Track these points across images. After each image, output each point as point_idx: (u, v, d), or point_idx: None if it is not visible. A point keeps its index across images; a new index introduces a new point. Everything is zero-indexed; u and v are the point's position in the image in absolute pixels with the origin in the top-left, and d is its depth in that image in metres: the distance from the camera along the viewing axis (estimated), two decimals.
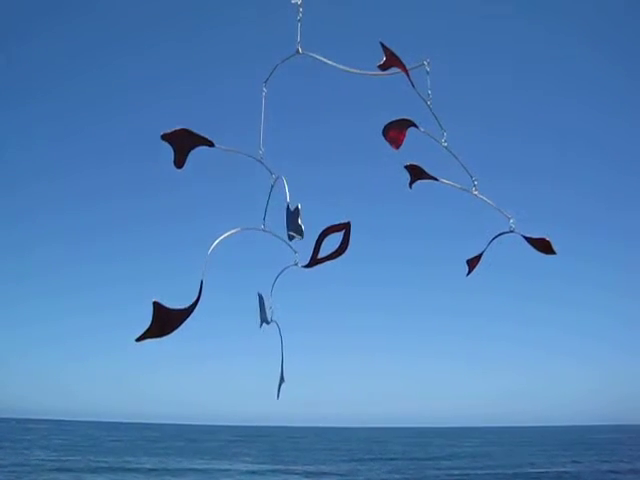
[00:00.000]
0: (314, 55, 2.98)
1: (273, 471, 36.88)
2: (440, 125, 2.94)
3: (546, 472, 36.66)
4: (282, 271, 3.11)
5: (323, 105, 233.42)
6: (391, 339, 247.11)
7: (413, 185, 3.15)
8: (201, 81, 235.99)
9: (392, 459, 46.93)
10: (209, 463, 40.22)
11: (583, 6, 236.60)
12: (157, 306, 2.58)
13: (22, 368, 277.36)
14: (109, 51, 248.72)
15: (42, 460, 38.04)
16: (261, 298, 3.17)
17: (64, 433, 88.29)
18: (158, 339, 2.64)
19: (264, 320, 3.15)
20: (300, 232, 2.82)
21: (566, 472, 36.73)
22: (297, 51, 2.99)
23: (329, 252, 3.00)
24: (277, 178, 3.02)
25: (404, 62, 2.91)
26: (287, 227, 2.90)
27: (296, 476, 34.82)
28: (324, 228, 2.96)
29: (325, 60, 2.97)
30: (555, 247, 2.85)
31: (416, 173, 3.12)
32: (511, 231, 2.93)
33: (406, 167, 3.14)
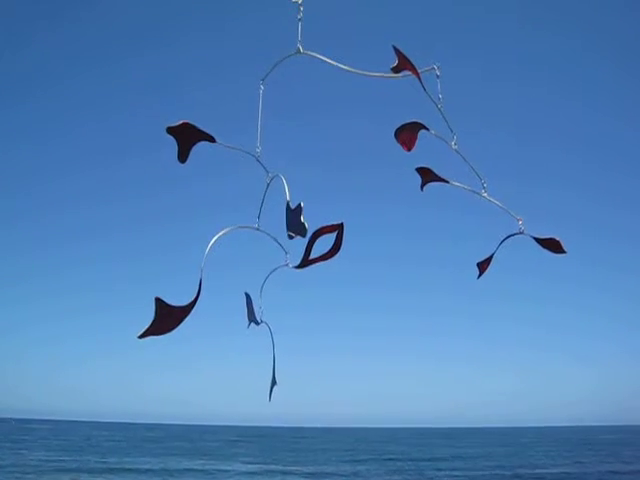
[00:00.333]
0: (315, 54, 2.98)
1: (273, 471, 36.84)
2: (450, 128, 2.96)
3: (546, 473, 36.61)
4: (272, 271, 3.12)
5: (323, 105, 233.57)
6: (391, 340, 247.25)
7: (425, 187, 3.20)
8: (201, 81, 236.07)
9: (392, 459, 46.88)
10: (209, 463, 40.18)
11: (583, 7, 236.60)
12: (159, 302, 2.61)
13: (23, 368, 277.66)
14: (109, 51, 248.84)
15: (41, 460, 38.00)
16: (248, 297, 3.15)
17: (64, 433, 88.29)
18: (160, 336, 2.67)
19: (252, 320, 3.13)
20: (303, 230, 2.78)
21: (566, 473, 36.68)
22: (298, 50, 2.99)
23: (322, 253, 2.98)
24: (274, 177, 3.02)
25: (416, 66, 2.92)
26: (287, 226, 2.87)
27: (296, 477, 34.78)
28: (316, 229, 2.94)
29: (326, 59, 2.96)
30: (565, 246, 2.90)
31: (427, 175, 3.17)
32: (521, 232, 2.96)
33: (417, 170, 3.18)
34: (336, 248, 2.96)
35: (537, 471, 37.67)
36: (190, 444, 66.78)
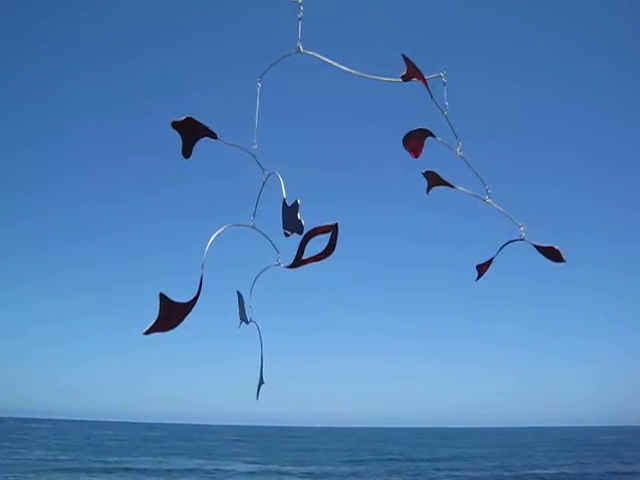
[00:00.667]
0: (315, 54, 2.98)
1: (272, 471, 36.83)
2: (455, 135, 3.00)
3: (546, 473, 36.59)
4: (262, 271, 3.11)
5: (322, 105, 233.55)
6: (391, 340, 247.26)
7: (430, 191, 3.26)
8: (200, 81, 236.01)
9: (391, 459, 46.86)
10: (209, 463, 40.16)
11: (583, 7, 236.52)
12: (163, 298, 2.64)
13: (23, 368, 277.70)
14: (108, 51, 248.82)
15: (40, 460, 37.95)
16: (240, 297, 3.14)
17: (63, 433, 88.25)
18: (162, 334, 2.70)
19: (243, 319, 3.13)
20: (300, 227, 2.78)
21: (566, 473, 36.66)
22: (298, 49, 2.99)
23: (315, 253, 2.98)
24: (269, 174, 3.02)
25: (423, 73, 2.96)
26: (283, 223, 2.88)
27: (295, 476, 34.77)
28: (310, 229, 2.93)
29: (327, 60, 2.96)
30: (565, 255, 2.95)
31: (433, 180, 3.22)
32: (521, 239, 3.01)
33: (424, 174, 3.23)
34: (330, 249, 2.95)
35: (537, 471, 37.64)
36: (190, 443, 66.76)
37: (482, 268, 3.31)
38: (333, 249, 2.95)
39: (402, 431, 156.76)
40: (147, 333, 2.64)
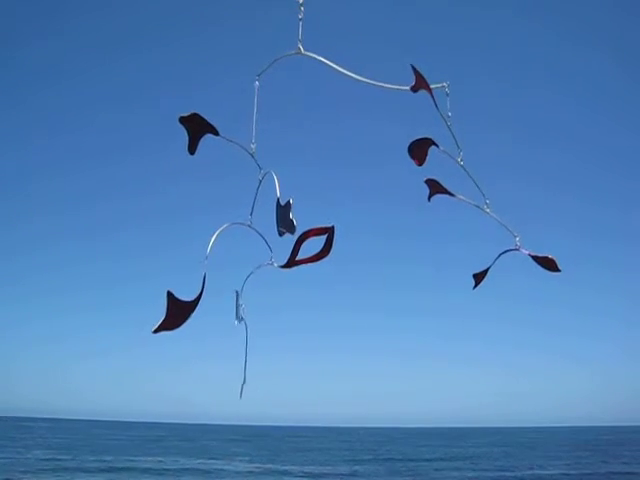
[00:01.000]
0: (315, 56, 2.99)
1: (272, 471, 36.83)
2: (457, 144, 3.11)
3: (546, 474, 36.60)
4: (255, 269, 3.11)
5: (322, 105, 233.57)
6: (390, 340, 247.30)
7: (432, 198, 3.38)
8: (200, 81, 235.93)
9: (391, 460, 46.89)
10: (208, 462, 40.16)
11: (583, 8, 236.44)
12: (171, 297, 2.67)
13: (24, 367, 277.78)
14: (108, 50, 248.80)
15: (39, 459, 37.94)
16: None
17: (63, 432, 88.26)
18: (170, 332, 2.74)
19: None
20: (292, 227, 2.80)
21: (566, 474, 36.65)
22: (298, 50, 3.00)
23: (310, 254, 2.99)
24: (266, 173, 3.04)
25: (429, 84, 3.01)
26: (277, 223, 2.90)
27: (295, 476, 34.77)
28: (306, 230, 2.93)
29: (327, 62, 2.97)
30: (560, 265, 3.03)
31: (435, 187, 3.34)
32: (517, 249, 3.12)
33: (426, 182, 3.34)
34: (326, 251, 2.95)
35: (536, 472, 37.65)
36: (190, 443, 66.76)
37: (478, 277, 3.41)
38: (329, 251, 2.96)
39: (402, 431, 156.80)
40: (156, 332, 2.67)
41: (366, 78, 3.00)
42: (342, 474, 36.06)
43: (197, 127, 2.95)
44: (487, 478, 34.79)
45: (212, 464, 39.22)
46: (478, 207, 3.14)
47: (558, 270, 3.04)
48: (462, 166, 3.12)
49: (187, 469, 36.15)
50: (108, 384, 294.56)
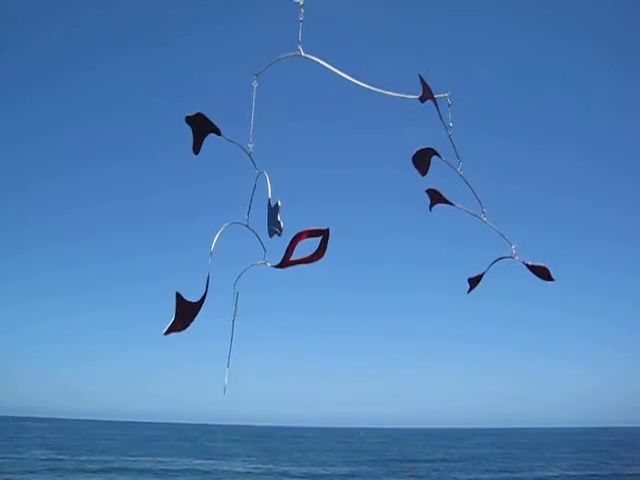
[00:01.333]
0: (315, 58, 3.01)
1: (272, 471, 36.78)
2: (457, 154, 3.23)
3: (546, 475, 36.54)
4: (247, 268, 3.12)
5: (322, 105, 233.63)
6: (391, 341, 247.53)
7: (433, 208, 3.49)
8: (200, 81, 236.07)
9: (391, 460, 46.88)
10: (208, 463, 40.12)
11: (584, 9, 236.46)
12: (179, 298, 2.72)
13: (24, 367, 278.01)
14: (108, 50, 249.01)
15: (38, 459, 37.89)
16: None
17: (62, 432, 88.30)
18: (179, 333, 2.79)
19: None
20: (279, 229, 2.84)
21: (566, 475, 36.64)
22: (298, 52, 3.02)
23: (304, 255, 3.02)
24: (259, 173, 3.07)
25: (434, 95, 3.10)
26: (268, 223, 2.95)
27: (295, 477, 34.73)
28: (300, 231, 2.96)
29: (326, 65, 2.99)
30: (553, 274, 3.09)
31: (435, 197, 3.45)
32: (511, 257, 3.19)
33: (427, 192, 3.46)
34: (320, 253, 2.98)
35: (536, 473, 37.58)
36: (189, 443, 66.77)
37: (473, 281, 3.48)
38: (323, 254, 2.99)
39: (402, 431, 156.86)
40: (167, 333, 2.73)
41: (370, 85, 3.05)
42: (342, 475, 36.01)
43: (201, 127, 3.01)
44: (486, 479, 34.74)
45: (211, 464, 39.18)
46: (476, 216, 3.24)
47: (552, 279, 3.11)
48: (462, 176, 3.24)
49: (186, 469, 36.10)
50: (107, 384, 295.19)
